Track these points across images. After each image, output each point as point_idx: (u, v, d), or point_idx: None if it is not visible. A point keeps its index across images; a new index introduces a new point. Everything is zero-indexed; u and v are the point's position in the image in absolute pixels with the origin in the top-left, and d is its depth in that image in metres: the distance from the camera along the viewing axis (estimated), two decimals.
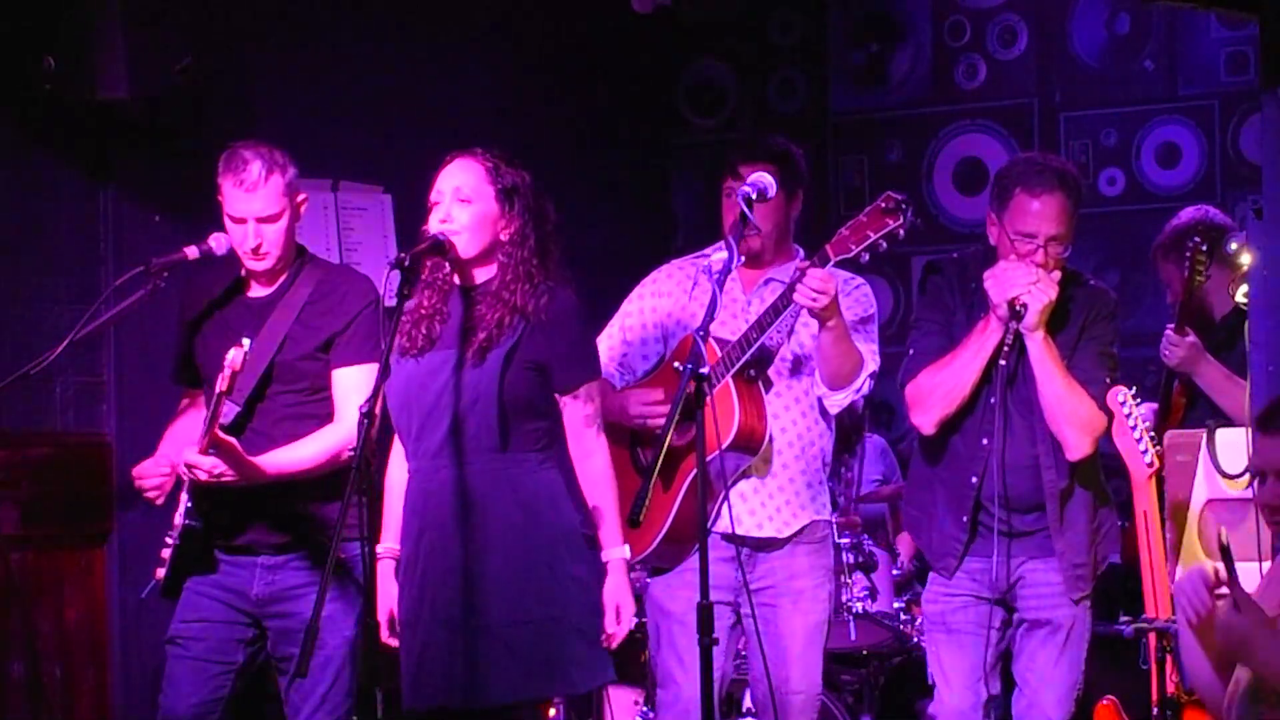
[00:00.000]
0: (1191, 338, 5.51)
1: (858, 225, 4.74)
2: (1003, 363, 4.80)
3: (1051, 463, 4.85)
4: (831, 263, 4.76)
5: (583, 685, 4.58)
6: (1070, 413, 4.79)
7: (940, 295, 5.01)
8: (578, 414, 4.51)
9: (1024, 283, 4.72)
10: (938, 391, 4.88)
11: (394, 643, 4.54)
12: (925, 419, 4.93)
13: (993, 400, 4.84)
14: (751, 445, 4.88)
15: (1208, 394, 5.50)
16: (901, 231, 4.70)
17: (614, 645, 4.45)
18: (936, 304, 5.01)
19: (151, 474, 4.85)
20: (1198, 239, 5.54)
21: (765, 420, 4.91)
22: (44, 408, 5.83)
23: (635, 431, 5.06)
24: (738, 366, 4.84)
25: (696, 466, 4.38)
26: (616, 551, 4.50)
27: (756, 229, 4.88)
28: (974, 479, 4.86)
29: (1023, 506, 4.86)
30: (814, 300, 4.71)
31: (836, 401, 4.98)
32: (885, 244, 4.73)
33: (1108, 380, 4.86)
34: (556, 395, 4.50)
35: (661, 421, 4.88)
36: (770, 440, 4.94)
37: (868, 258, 4.76)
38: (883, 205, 4.72)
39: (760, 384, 4.94)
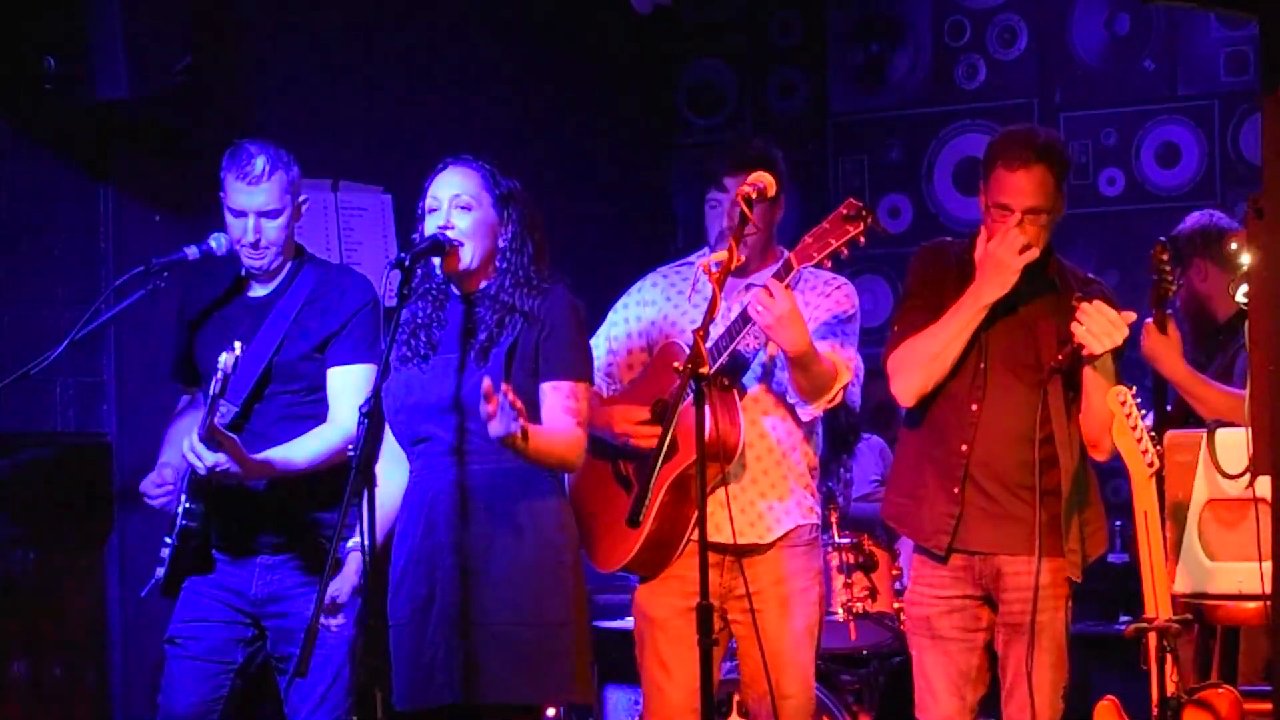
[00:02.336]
0: (1172, 334, 5.44)
1: (820, 233, 4.73)
2: (1053, 365, 4.78)
3: (1065, 439, 4.80)
4: (795, 271, 4.75)
5: (579, 695, 4.54)
6: (1107, 417, 4.77)
7: (930, 271, 4.98)
8: (557, 404, 4.44)
9: (1115, 335, 4.64)
10: (919, 362, 4.82)
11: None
12: (905, 388, 4.86)
13: (981, 365, 4.82)
14: (724, 453, 4.84)
15: (1179, 393, 5.44)
16: (862, 239, 4.69)
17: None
18: (926, 281, 4.98)
19: (155, 491, 4.86)
20: (1156, 248, 5.48)
21: (739, 427, 4.86)
22: (44, 408, 5.83)
23: (616, 445, 5.04)
24: (710, 374, 4.79)
25: (697, 465, 4.38)
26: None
27: (756, 228, 4.87)
28: (964, 446, 4.83)
29: (1012, 482, 4.82)
30: (758, 315, 4.70)
31: (809, 412, 4.95)
32: (847, 250, 4.71)
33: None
34: (539, 386, 4.47)
35: (643, 442, 4.88)
36: (747, 447, 4.90)
37: (831, 264, 4.76)
38: (844, 212, 4.70)
39: (734, 391, 4.92)
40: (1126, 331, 4.69)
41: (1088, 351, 4.69)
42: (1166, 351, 5.35)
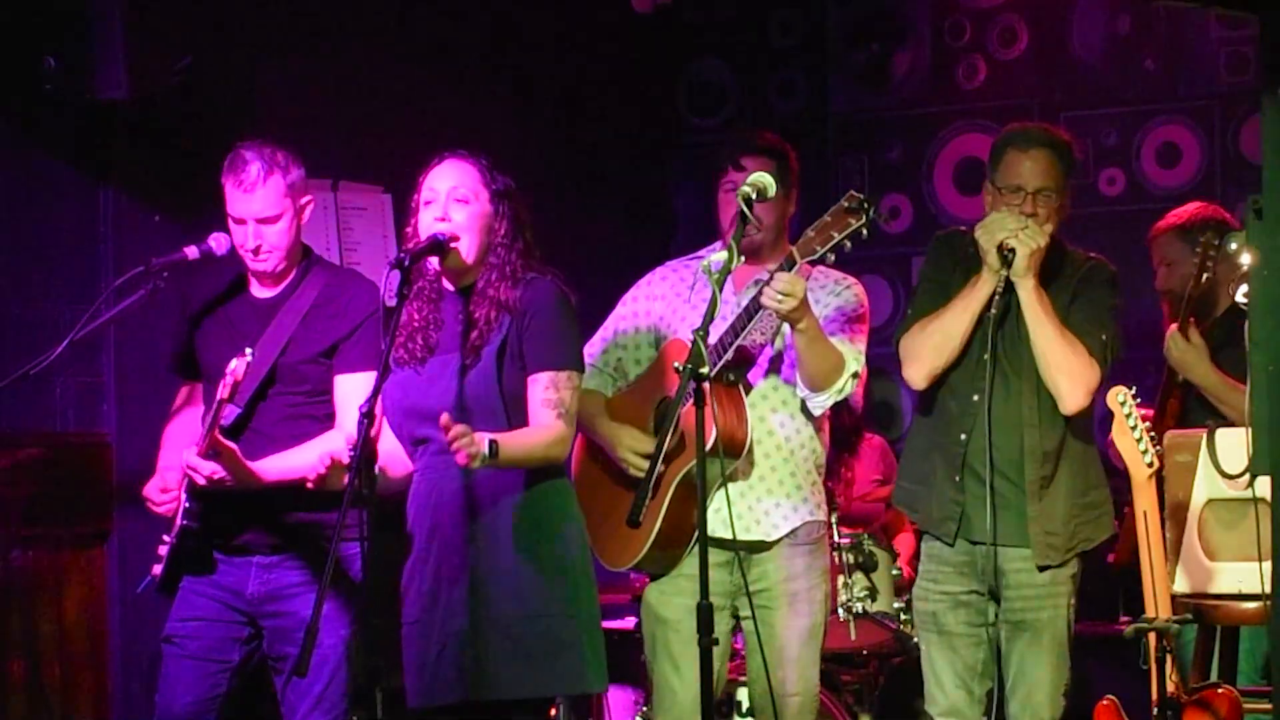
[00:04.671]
0: (1197, 340, 5.47)
1: (822, 226, 4.74)
2: (992, 311, 4.79)
3: (1036, 421, 4.83)
4: (798, 265, 4.75)
5: (592, 685, 4.57)
6: (1061, 360, 4.77)
7: (941, 259, 5.02)
8: (537, 395, 4.47)
9: (1012, 227, 4.74)
10: (928, 343, 4.87)
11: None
12: (915, 371, 4.91)
13: (985, 355, 4.84)
14: (732, 449, 4.84)
15: (1208, 398, 5.46)
16: (864, 231, 4.70)
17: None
18: (938, 267, 5.02)
19: (159, 498, 4.86)
20: (1210, 233, 5.50)
21: (746, 424, 4.87)
22: (44, 408, 5.83)
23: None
24: (715, 370, 4.79)
25: (697, 465, 4.38)
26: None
27: (756, 227, 4.87)
28: (963, 435, 4.85)
29: (1009, 469, 4.83)
30: (779, 303, 4.70)
31: (819, 403, 4.95)
32: (849, 243, 4.73)
33: (1104, 338, 4.84)
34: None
35: (638, 475, 4.87)
36: (755, 443, 4.91)
37: (833, 258, 4.77)
38: (845, 204, 4.72)
39: (740, 387, 4.92)
40: (1041, 236, 4.74)
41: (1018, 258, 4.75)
42: (1195, 359, 5.40)
